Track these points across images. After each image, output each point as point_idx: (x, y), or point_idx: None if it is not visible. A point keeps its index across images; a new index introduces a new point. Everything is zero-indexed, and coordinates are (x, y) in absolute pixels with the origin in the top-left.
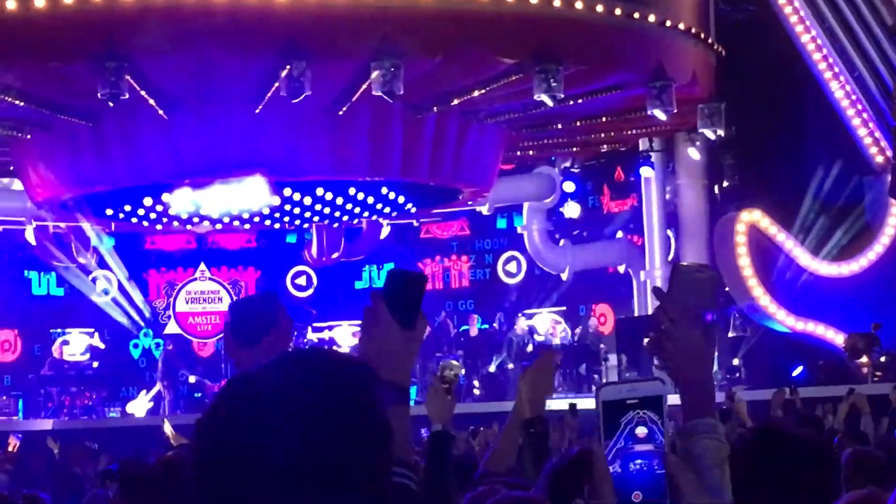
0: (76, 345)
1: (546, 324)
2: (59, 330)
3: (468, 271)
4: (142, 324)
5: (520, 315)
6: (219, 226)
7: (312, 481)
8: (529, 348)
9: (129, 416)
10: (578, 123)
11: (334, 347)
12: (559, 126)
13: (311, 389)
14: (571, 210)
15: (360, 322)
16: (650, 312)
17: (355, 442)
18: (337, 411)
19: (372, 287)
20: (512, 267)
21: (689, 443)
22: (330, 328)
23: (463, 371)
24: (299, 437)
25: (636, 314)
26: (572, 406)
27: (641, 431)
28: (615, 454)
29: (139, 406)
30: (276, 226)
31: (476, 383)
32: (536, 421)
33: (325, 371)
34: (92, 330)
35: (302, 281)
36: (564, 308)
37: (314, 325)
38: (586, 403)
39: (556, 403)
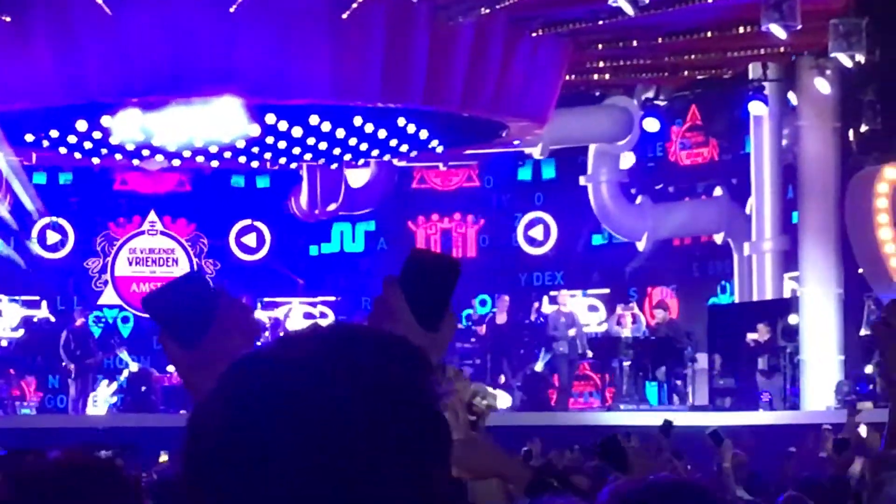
0: (7, 317)
1: (581, 310)
2: None
3: (476, 236)
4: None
5: (545, 298)
6: (176, 161)
7: (344, 497)
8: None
9: (50, 415)
10: (667, 40)
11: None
12: (641, 43)
13: (353, 375)
14: (626, 160)
15: (320, 300)
16: (758, 298)
17: (411, 449)
18: (391, 407)
19: (350, 254)
20: (537, 232)
21: (885, 476)
22: (277, 305)
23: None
24: (333, 442)
25: (736, 300)
26: (667, 424)
27: None
28: None
29: (99, 400)
30: (254, 164)
31: (499, 387)
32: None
33: (374, 353)
34: (37, 298)
35: (251, 240)
36: (608, 291)
37: (263, 299)
38: (672, 418)
39: (640, 417)
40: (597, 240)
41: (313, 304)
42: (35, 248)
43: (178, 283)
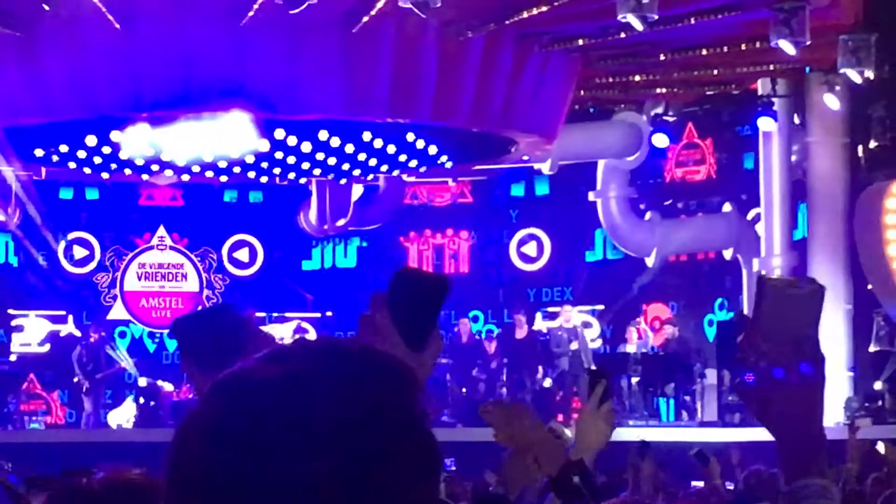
0: (32, 332)
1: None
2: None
3: (468, 252)
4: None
5: (538, 314)
6: (185, 176)
7: None
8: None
9: (57, 429)
10: (676, 56)
11: None
12: (650, 58)
13: (338, 392)
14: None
15: (308, 315)
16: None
17: (398, 470)
18: (376, 425)
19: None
20: (530, 249)
21: None
22: (279, 321)
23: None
24: (319, 459)
25: (745, 312)
26: (643, 445)
27: None
28: None
29: (123, 415)
30: (263, 179)
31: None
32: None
33: (361, 369)
34: (63, 313)
35: (243, 255)
36: (602, 307)
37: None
38: (674, 435)
39: (650, 433)
40: (590, 256)
41: (319, 322)
42: (60, 261)
43: (209, 312)
